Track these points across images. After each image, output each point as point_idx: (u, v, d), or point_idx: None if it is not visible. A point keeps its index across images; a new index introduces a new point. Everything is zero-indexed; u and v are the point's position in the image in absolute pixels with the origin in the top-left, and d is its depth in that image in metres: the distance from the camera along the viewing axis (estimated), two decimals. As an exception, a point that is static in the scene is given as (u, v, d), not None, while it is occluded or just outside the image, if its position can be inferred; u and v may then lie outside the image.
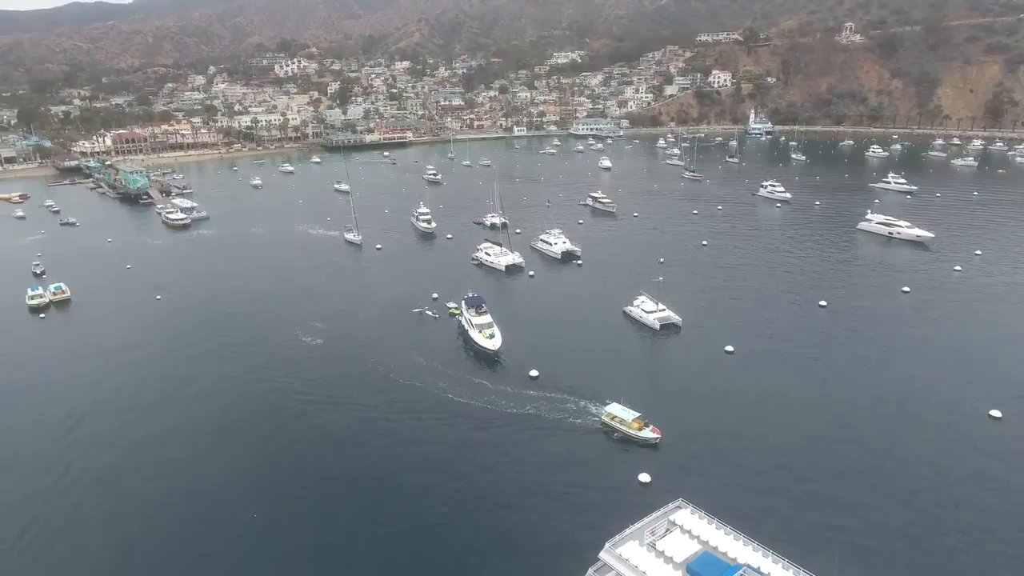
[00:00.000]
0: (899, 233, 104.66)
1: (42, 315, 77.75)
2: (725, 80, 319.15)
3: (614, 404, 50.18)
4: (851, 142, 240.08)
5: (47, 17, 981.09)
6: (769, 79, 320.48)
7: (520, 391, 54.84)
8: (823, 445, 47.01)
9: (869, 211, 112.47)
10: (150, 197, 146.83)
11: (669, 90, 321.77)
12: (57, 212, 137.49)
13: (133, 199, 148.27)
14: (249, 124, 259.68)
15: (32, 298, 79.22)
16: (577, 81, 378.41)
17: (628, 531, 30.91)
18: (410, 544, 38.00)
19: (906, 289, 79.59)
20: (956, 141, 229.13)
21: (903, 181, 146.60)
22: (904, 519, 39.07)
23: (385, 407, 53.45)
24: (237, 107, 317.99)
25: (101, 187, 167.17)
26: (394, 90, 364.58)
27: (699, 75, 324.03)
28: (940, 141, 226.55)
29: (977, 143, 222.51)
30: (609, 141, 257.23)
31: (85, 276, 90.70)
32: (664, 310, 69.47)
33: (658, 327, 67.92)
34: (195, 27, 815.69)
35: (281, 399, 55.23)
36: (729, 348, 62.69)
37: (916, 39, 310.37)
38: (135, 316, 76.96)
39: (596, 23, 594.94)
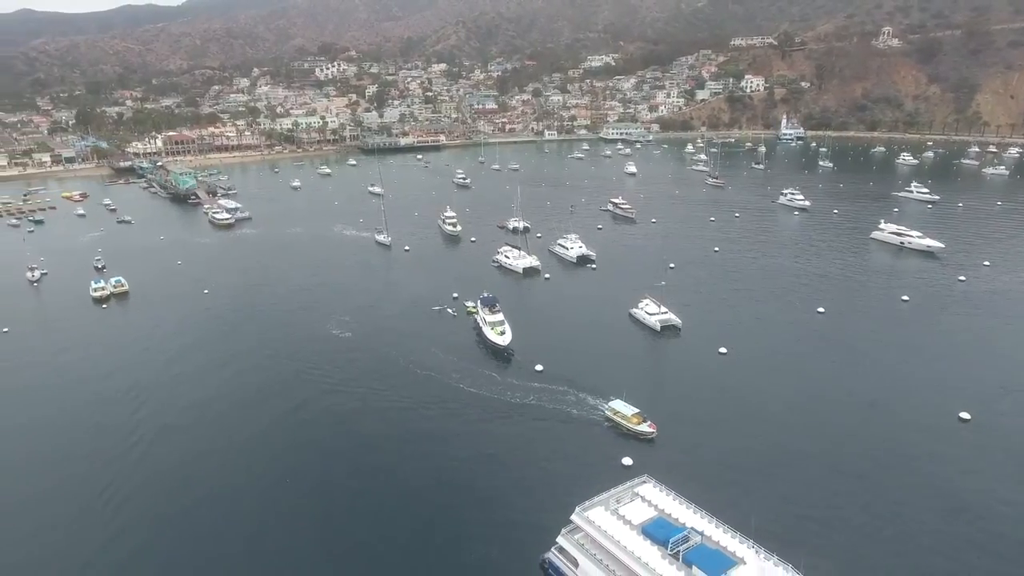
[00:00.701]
0: (910, 243, 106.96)
1: (104, 305, 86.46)
2: (758, 85, 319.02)
3: (617, 400, 55.36)
4: (883, 149, 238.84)
5: (101, 19, 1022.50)
6: (803, 84, 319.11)
7: (525, 383, 60.56)
8: (791, 438, 51.59)
9: (882, 221, 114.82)
10: (198, 197, 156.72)
11: (701, 95, 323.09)
12: (114, 211, 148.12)
13: (182, 199, 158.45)
14: (290, 127, 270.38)
15: (95, 290, 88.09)
16: (610, 84, 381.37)
17: (597, 499, 36.51)
18: (409, 506, 44.07)
19: (905, 298, 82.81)
20: (992, 149, 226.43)
21: (925, 190, 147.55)
22: (845, 504, 43.71)
23: (401, 394, 59.67)
24: (279, 109, 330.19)
25: (153, 187, 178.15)
26: (429, 93, 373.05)
27: (731, 80, 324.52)
28: (975, 149, 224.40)
29: (1014, 151, 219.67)
30: (638, 146, 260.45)
31: (140, 271, 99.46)
32: (666, 313, 74.41)
33: (659, 328, 72.92)
34: (240, 29, 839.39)
35: (310, 385, 61.97)
36: (723, 350, 67.41)
37: (957, 44, 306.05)
38: (185, 308, 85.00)
39: (632, 25, 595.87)
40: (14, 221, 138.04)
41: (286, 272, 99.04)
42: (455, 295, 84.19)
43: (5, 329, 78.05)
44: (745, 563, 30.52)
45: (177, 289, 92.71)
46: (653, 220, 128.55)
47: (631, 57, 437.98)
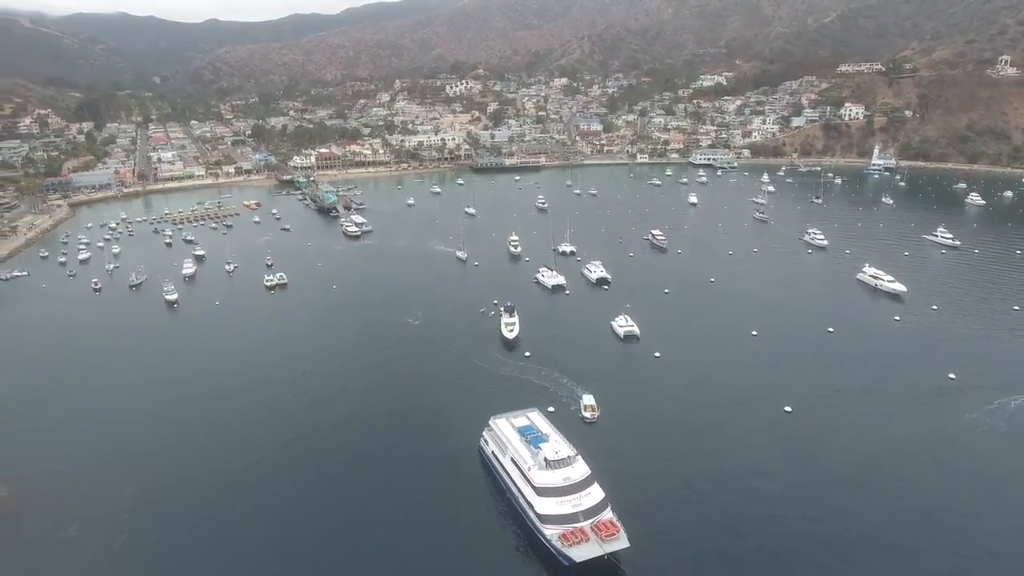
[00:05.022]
0: (882, 285, 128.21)
1: (272, 292, 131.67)
2: (857, 113, 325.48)
3: (588, 395, 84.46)
4: (963, 184, 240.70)
5: (273, 28, 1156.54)
6: (907, 112, 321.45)
7: (515, 363, 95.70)
8: (674, 417, 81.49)
9: (866, 264, 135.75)
10: (337, 212, 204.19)
11: (796, 122, 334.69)
12: (279, 219, 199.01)
13: (326, 212, 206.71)
14: (415, 145, 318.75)
15: (268, 281, 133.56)
16: (716, 105, 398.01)
17: (503, 415, 71.59)
18: (417, 414, 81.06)
19: (831, 329, 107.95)
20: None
21: (949, 236, 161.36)
22: (671, 462, 75.06)
23: (435, 361, 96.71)
24: (410, 126, 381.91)
25: (306, 200, 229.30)
26: (542, 113, 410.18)
27: (829, 108, 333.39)
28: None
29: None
30: (719, 173, 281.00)
31: (295, 268, 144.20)
32: (632, 326, 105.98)
33: (622, 336, 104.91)
34: (388, 40, 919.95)
35: (384, 349, 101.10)
36: (657, 354, 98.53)
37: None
38: (322, 298, 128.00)
39: (754, 41, 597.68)
40: (213, 225, 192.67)
41: (387, 275, 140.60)
42: (495, 301, 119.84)
43: (217, 302, 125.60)
44: (548, 440, 64.55)
45: (317, 283, 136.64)
46: (679, 251, 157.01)
47: (744, 77, 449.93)
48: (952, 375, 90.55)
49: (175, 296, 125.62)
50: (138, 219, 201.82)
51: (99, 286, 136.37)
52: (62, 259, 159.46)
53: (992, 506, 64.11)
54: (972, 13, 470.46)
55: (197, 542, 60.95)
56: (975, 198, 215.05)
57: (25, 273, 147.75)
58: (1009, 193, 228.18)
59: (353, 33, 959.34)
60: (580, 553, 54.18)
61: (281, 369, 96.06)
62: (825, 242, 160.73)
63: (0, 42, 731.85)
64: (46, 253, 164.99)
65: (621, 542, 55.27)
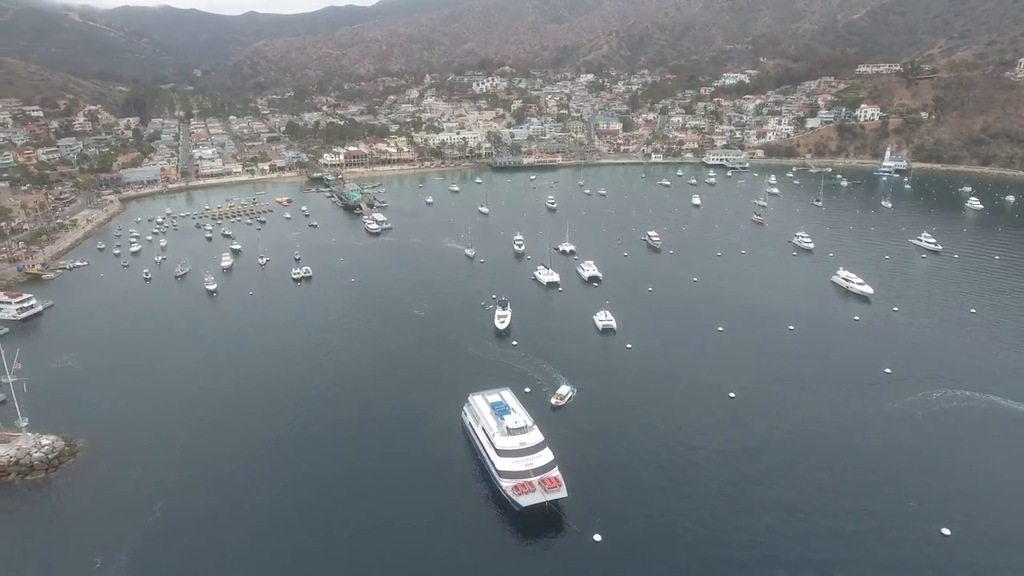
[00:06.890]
0: (852, 287, 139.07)
1: (299, 284, 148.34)
2: (872, 114, 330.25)
3: (564, 385, 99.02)
4: (968, 188, 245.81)
5: (308, 20, 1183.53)
6: (923, 114, 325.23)
7: (502, 350, 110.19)
8: (633, 399, 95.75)
9: (841, 268, 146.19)
10: (361, 209, 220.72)
11: (811, 123, 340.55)
12: (308, 216, 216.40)
13: (351, 209, 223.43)
14: (438, 144, 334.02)
15: (295, 274, 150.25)
16: (736, 104, 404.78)
17: (480, 392, 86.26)
18: (412, 392, 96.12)
19: (791, 327, 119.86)
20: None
21: (932, 240, 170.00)
22: (621, 438, 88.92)
23: (433, 346, 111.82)
24: (436, 123, 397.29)
25: (333, 197, 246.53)
26: (563, 111, 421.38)
27: (845, 109, 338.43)
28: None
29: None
30: (728, 174, 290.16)
31: (319, 262, 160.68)
32: (611, 320, 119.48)
33: (601, 329, 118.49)
34: (420, 34, 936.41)
35: (392, 338, 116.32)
36: (628, 345, 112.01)
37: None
38: (342, 290, 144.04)
39: (782, 37, 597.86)
40: (248, 221, 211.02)
41: (400, 270, 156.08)
42: (494, 296, 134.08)
43: (251, 292, 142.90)
44: (511, 413, 79.08)
45: (338, 277, 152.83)
46: (671, 251, 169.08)
47: (767, 75, 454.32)
48: (888, 369, 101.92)
49: (215, 286, 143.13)
50: (181, 214, 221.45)
51: (149, 276, 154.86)
52: (116, 251, 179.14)
53: (879, 465, 76.73)
54: (1003, 11, 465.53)
55: (228, 492, 77.19)
56: (974, 202, 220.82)
57: (85, 263, 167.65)
58: (1011, 197, 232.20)
59: (387, 26, 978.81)
60: (527, 500, 68.72)
61: (303, 353, 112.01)
62: (811, 245, 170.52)
63: (52, 37, 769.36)
64: (102, 245, 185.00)
65: (561, 493, 69.65)
